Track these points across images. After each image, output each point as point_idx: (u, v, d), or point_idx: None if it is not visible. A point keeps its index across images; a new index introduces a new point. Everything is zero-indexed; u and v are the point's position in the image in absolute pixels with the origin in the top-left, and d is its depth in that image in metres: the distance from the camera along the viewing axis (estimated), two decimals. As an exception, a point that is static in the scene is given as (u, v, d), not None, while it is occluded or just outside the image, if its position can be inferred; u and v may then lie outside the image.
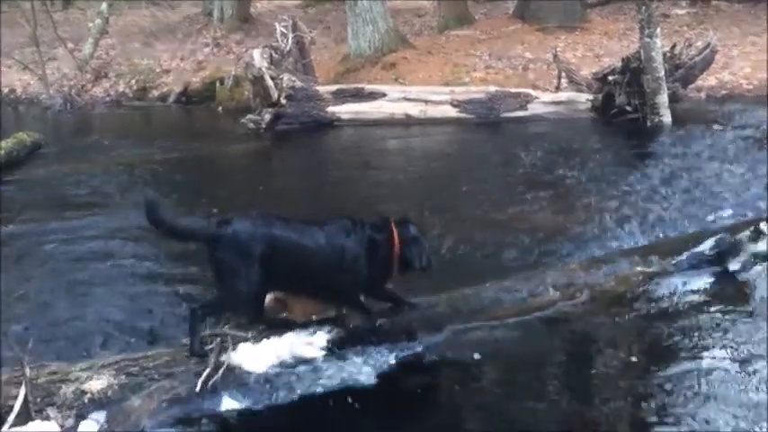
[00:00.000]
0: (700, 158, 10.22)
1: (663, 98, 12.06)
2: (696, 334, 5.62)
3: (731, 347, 5.42)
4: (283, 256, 5.13)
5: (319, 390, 5.03)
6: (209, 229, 5.24)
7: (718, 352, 5.37)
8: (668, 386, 5.01)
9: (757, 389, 4.89)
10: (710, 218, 8.06)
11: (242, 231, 5.08)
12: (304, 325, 5.40)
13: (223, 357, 5.05)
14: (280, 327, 5.37)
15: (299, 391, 5.01)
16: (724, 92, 14.46)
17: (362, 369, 5.19)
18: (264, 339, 5.23)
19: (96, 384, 4.80)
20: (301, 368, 5.14)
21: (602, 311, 5.96)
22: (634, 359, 5.53)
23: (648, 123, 12.07)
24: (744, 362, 5.20)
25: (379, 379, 5.14)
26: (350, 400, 4.97)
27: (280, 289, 5.44)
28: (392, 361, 5.30)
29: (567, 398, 5.18)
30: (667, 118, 12.05)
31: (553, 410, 4.98)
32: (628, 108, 12.40)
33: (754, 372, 5.07)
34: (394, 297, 5.65)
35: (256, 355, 5.11)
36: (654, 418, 4.75)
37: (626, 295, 6.11)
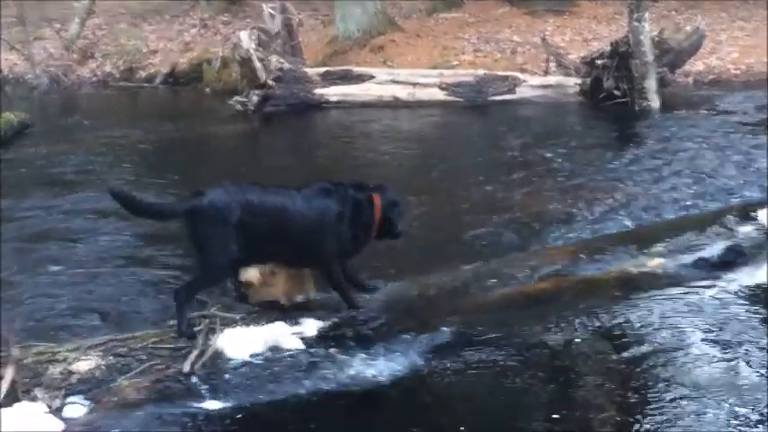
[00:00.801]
0: (687, 143, 10.26)
1: (651, 83, 12.10)
2: (682, 322, 5.64)
3: (717, 334, 5.44)
4: (261, 221, 5.05)
5: (305, 385, 4.89)
6: (184, 204, 5.18)
7: (703, 337, 5.40)
8: (662, 377, 5.02)
9: (746, 375, 4.91)
10: (698, 203, 8.09)
11: (217, 201, 5.00)
12: (294, 313, 5.30)
13: (211, 340, 5.01)
14: (267, 310, 5.30)
15: (282, 386, 4.87)
16: (712, 77, 14.49)
17: (354, 364, 5.06)
18: (252, 325, 5.14)
19: (84, 365, 4.77)
20: (285, 361, 4.99)
21: (585, 297, 5.92)
22: (618, 347, 5.53)
23: (636, 108, 12.11)
24: (732, 349, 5.22)
25: (374, 374, 5.03)
26: (341, 397, 4.88)
27: (262, 259, 5.28)
28: (386, 356, 5.18)
29: (551, 387, 5.15)
30: (655, 102, 12.09)
31: (537, 400, 4.99)
32: (616, 92, 12.42)
33: (742, 359, 5.10)
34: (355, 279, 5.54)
35: (240, 341, 5.01)
36: (643, 405, 4.77)
37: (609, 281, 6.06)
